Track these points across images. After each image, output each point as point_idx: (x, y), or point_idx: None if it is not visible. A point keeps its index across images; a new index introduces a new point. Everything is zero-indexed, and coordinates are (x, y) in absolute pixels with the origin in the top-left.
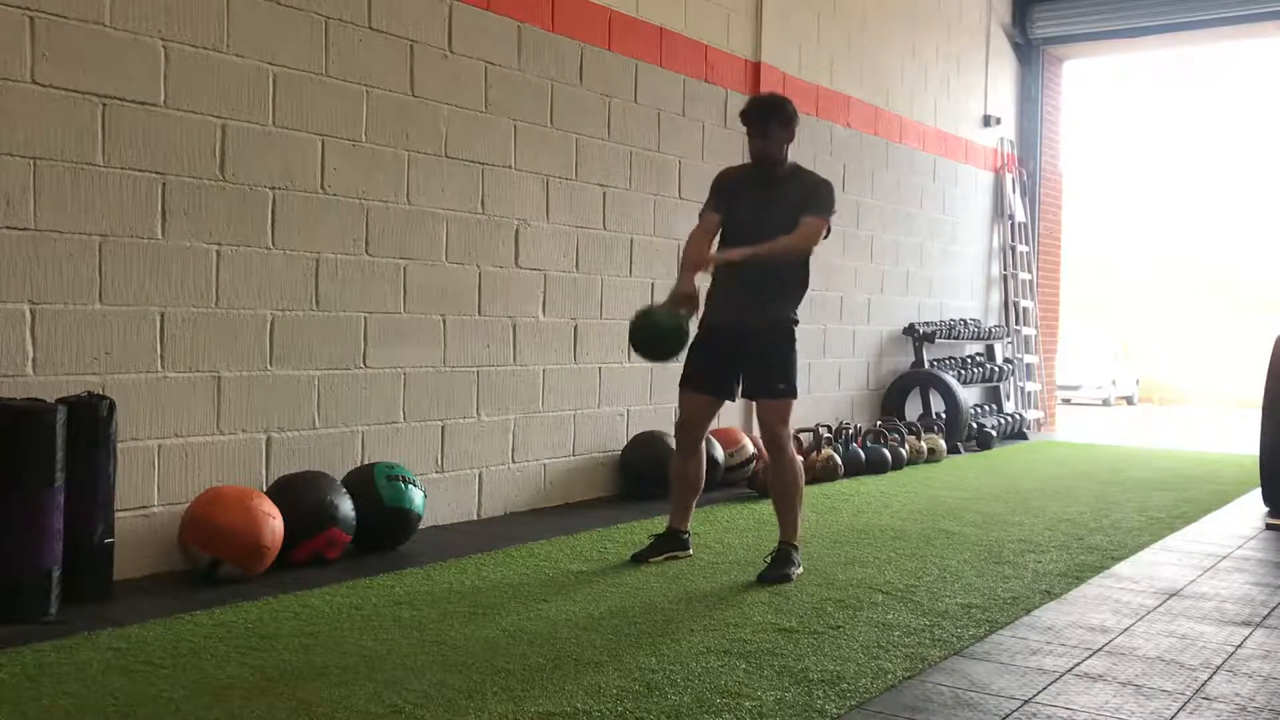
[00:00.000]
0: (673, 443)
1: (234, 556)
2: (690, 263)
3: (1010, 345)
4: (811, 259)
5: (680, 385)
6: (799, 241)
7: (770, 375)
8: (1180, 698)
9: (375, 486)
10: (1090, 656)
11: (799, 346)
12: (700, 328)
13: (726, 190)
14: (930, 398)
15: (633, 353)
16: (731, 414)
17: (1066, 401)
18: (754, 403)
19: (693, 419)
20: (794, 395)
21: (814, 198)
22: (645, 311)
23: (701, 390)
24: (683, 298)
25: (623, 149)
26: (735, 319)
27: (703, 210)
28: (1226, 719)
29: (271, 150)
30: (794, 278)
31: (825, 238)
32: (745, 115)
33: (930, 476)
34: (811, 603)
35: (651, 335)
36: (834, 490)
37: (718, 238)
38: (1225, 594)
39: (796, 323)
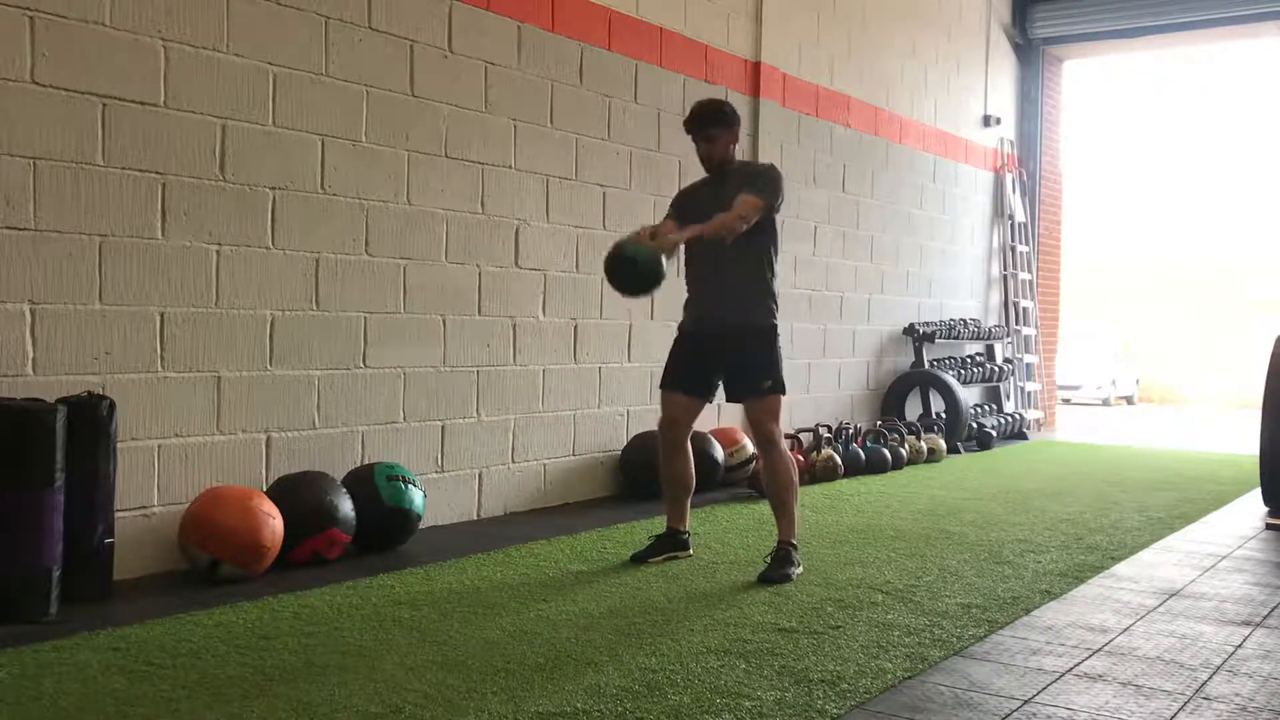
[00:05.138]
0: None
1: (234, 556)
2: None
3: (1010, 345)
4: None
5: (661, 387)
6: (731, 218)
7: (755, 374)
8: (1180, 698)
9: (375, 486)
10: (1090, 656)
11: (783, 344)
12: (679, 332)
13: (682, 203)
14: (930, 398)
15: (610, 284)
16: (731, 414)
17: (1066, 401)
18: (743, 405)
19: (675, 419)
20: (782, 391)
21: (753, 179)
22: (619, 243)
23: (681, 391)
24: (652, 229)
25: (623, 149)
26: (712, 322)
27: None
28: (1226, 719)
29: (271, 150)
30: (761, 280)
31: (768, 214)
32: (687, 123)
33: (930, 476)
34: (811, 603)
35: (625, 260)
36: (834, 490)
37: (682, 250)
38: (1225, 594)
39: (775, 320)
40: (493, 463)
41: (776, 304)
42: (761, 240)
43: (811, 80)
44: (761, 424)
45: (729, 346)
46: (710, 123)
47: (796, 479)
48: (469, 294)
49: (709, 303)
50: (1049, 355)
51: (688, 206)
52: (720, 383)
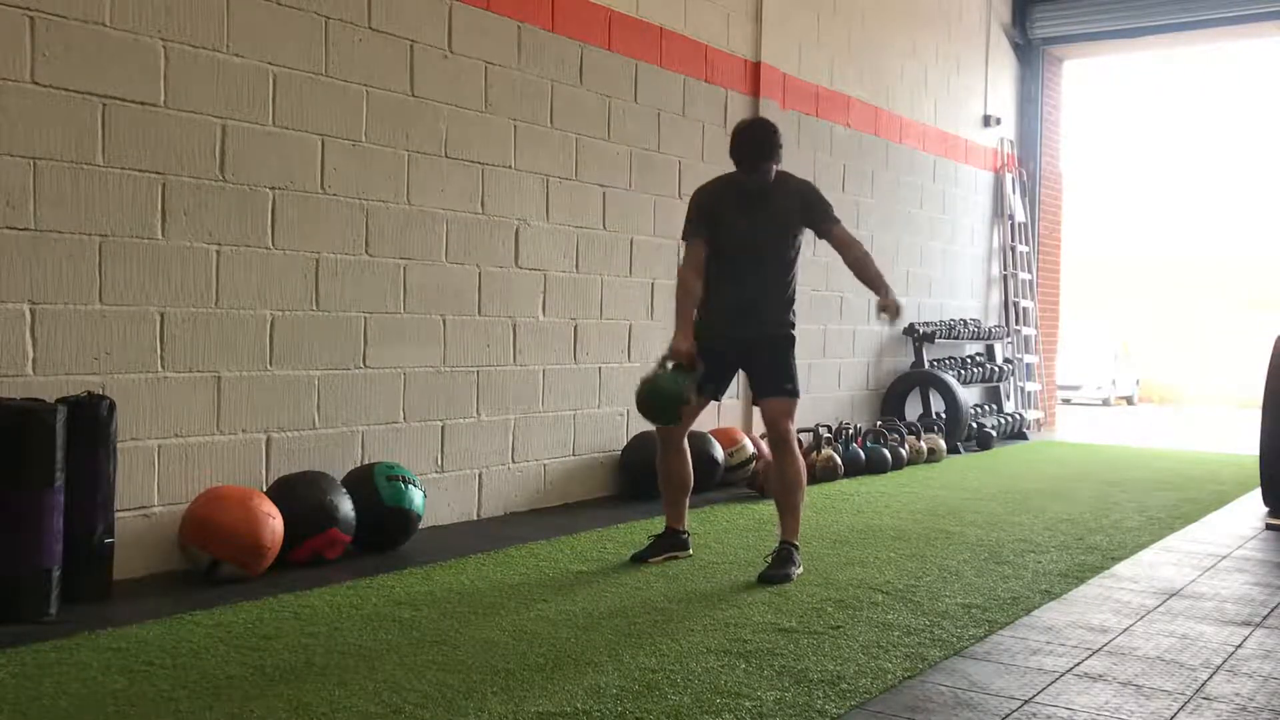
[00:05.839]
0: None
1: (234, 556)
2: (685, 312)
3: (1010, 345)
4: (811, 259)
5: None
6: (866, 252)
7: (779, 377)
8: (1180, 698)
9: (375, 486)
10: (1090, 656)
11: (796, 348)
12: (696, 337)
13: (710, 211)
14: (930, 398)
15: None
16: (731, 414)
17: (1066, 401)
18: (760, 404)
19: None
20: (799, 395)
21: (817, 207)
22: (650, 380)
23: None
24: (683, 356)
25: (623, 149)
26: (737, 330)
27: (687, 236)
28: (1226, 719)
29: (271, 150)
30: (787, 292)
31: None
32: (738, 156)
33: (930, 476)
34: (811, 603)
35: (656, 402)
36: (834, 490)
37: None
38: (1225, 594)
39: (794, 331)
40: (493, 463)
41: (795, 314)
42: (795, 253)
43: (811, 80)
44: (777, 423)
45: (749, 352)
46: (767, 156)
47: (805, 480)
48: (469, 294)
49: (735, 313)
50: (1049, 355)
51: (718, 220)
52: (727, 385)
